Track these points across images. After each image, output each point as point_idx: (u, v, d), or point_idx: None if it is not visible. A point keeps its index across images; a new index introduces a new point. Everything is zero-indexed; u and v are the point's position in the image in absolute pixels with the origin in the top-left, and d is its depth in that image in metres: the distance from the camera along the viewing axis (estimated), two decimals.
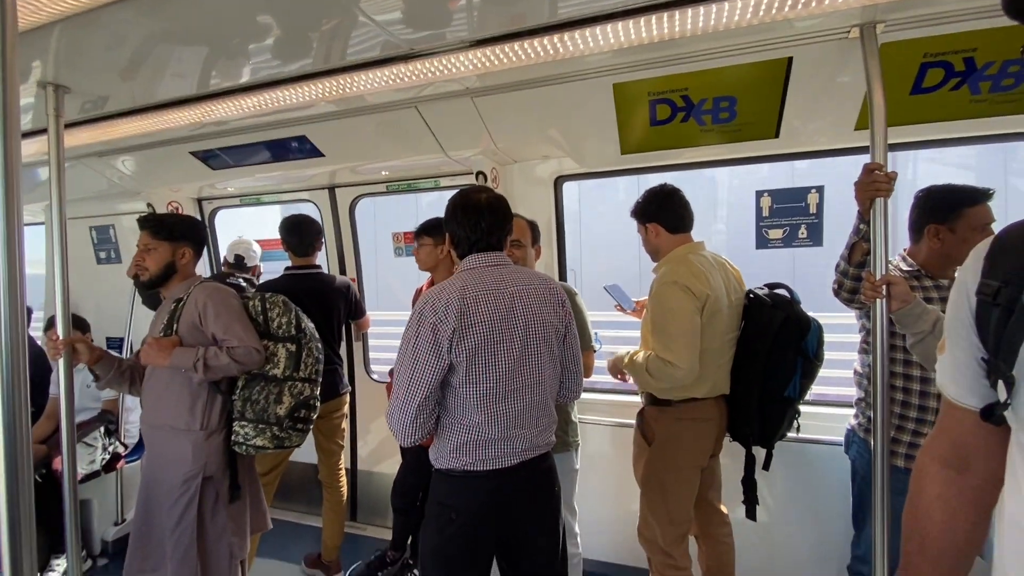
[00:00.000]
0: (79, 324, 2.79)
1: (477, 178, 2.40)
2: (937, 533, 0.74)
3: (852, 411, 1.79)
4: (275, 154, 2.41)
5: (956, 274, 0.70)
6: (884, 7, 1.34)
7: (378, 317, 4.68)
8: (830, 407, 2.16)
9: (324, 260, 3.02)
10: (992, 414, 0.64)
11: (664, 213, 1.78)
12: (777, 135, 1.83)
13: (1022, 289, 0.58)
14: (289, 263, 2.45)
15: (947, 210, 1.57)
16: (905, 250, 1.69)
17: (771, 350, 1.66)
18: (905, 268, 1.64)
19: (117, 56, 1.49)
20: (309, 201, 3.00)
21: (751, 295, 1.78)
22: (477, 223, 1.36)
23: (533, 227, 1.98)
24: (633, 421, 1.94)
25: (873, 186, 1.36)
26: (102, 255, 3.41)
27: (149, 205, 3.02)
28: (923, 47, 1.49)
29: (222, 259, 3.05)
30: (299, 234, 2.39)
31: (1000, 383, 0.60)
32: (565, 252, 2.47)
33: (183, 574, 1.67)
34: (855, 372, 1.76)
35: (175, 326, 1.73)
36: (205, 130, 2.26)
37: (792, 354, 1.65)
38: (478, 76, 1.72)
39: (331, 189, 2.89)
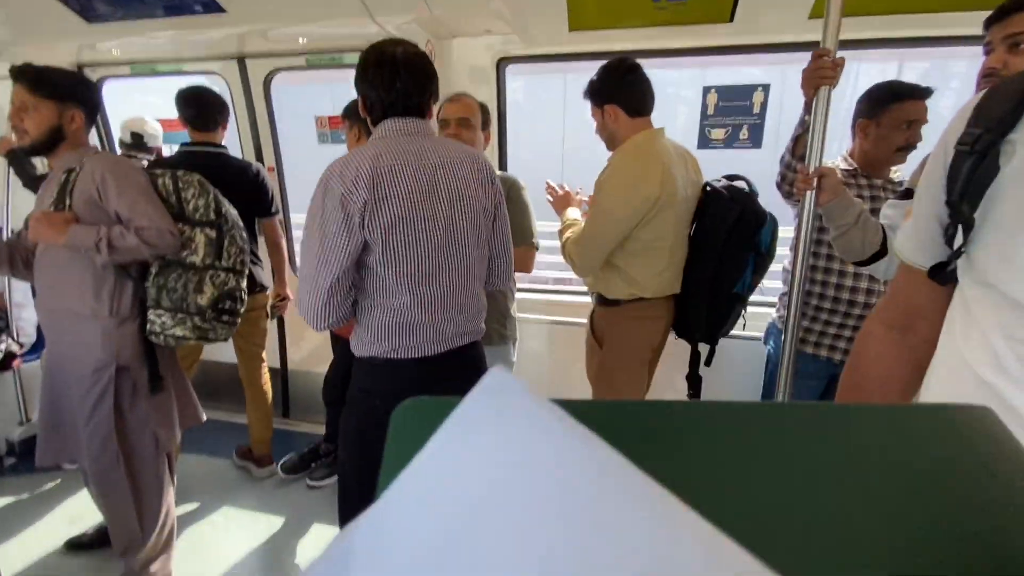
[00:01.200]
0: None
1: None
2: (873, 388, 0.78)
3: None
4: (167, 6, 2.02)
5: (940, 136, 0.68)
6: None
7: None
8: (756, 306, 2.28)
9: (239, 150, 2.71)
10: (942, 270, 0.66)
11: (624, 93, 1.60)
12: (732, 19, 1.72)
13: (1001, 135, 0.57)
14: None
15: (875, 105, 1.57)
16: (847, 150, 1.71)
17: (725, 245, 1.62)
18: (844, 167, 1.66)
19: None
20: (216, 74, 2.61)
21: (708, 188, 1.69)
22: (392, 82, 1.17)
23: (484, 109, 1.81)
24: (572, 320, 1.95)
25: (819, 73, 1.31)
26: None
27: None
28: None
29: (116, 140, 2.66)
30: (196, 105, 2.06)
31: (958, 233, 0.61)
32: (507, 142, 2.33)
33: (103, 463, 1.59)
34: (783, 268, 1.82)
35: (68, 200, 1.49)
36: None
37: (746, 249, 1.63)
38: None
39: (240, 60, 2.51)
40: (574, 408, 0.21)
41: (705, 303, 1.68)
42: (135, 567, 1.71)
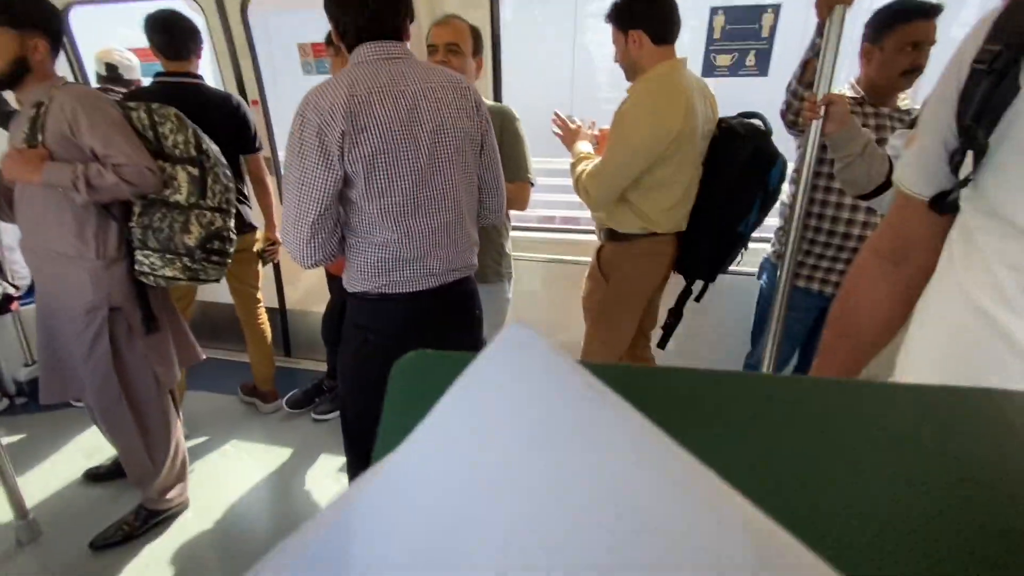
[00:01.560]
0: None
1: None
2: (861, 318, 0.79)
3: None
4: None
5: (953, 53, 0.64)
6: None
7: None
8: (754, 242, 2.26)
9: (220, 84, 2.57)
10: (944, 199, 0.64)
11: (651, 16, 1.51)
12: None
13: (1022, 52, 0.53)
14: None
15: (880, 27, 1.48)
16: (855, 77, 1.63)
17: (735, 183, 1.59)
18: (851, 95, 1.59)
19: None
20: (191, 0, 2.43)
21: (723, 124, 1.64)
22: (363, 3, 1.10)
23: (475, 33, 1.69)
24: (567, 257, 1.94)
25: None
26: None
27: None
28: None
29: (93, 75, 2.51)
30: (166, 30, 1.92)
31: (966, 160, 0.59)
32: (501, 70, 2.21)
33: (106, 401, 1.64)
34: (781, 203, 1.79)
35: (40, 136, 1.43)
36: None
37: (755, 188, 1.60)
38: None
39: None
40: (597, 371, 0.20)
41: (710, 241, 1.68)
42: (152, 495, 1.80)
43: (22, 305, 2.54)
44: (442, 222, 1.23)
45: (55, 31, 1.48)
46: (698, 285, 1.81)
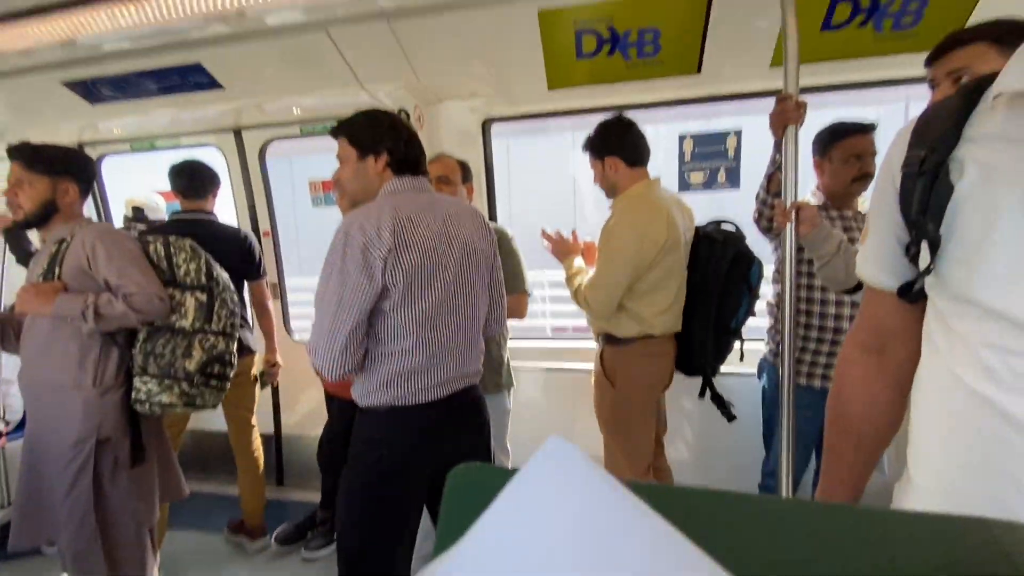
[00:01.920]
0: None
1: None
2: (858, 413, 0.77)
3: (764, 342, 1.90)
4: (166, 86, 2.14)
5: (883, 160, 0.71)
6: None
7: (298, 283, 4.40)
8: (752, 341, 2.28)
9: (235, 218, 2.78)
10: (910, 289, 0.66)
11: (623, 145, 1.72)
12: (699, 70, 1.85)
13: (947, 153, 0.59)
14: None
15: (824, 144, 1.68)
16: (814, 186, 1.79)
17: (724, 284, 1.71)
18: (815, 202, 1.73)
19: None
20: (212, 146, 2.72)
21: (699, 232, 1.79)
22: (410, 141, 1.29)
23: (463, 165, 1.91)
24: (567, 366, 1.95)
25: (784, 115, 1.40)
26: None
27: None
28: None
29: (122, 218, 2.72)
30: (187, 175, 2.13)
31: (923, 249, 0.62)
32: (495, 198, 2.41)
33: (80, 542, 1.51)
34: (767, 304, 1.85)
35: (57, 270, 1.50)
36: (79, 53, 1.95)
37: (740, 286, 1.72)
38: None
39: (237, 132, 2.62)
40: (634, 488, 0.21)
41: (706, 337, 1.75)
42: None
43: (10, 440, 2.46)
44: (457, 332, 1.30)
45: (86, 177, 1.63)
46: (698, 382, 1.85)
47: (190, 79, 2.08)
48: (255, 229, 2.73)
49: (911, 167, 0.63)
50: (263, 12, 1.65)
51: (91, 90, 2.18)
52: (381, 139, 1.27)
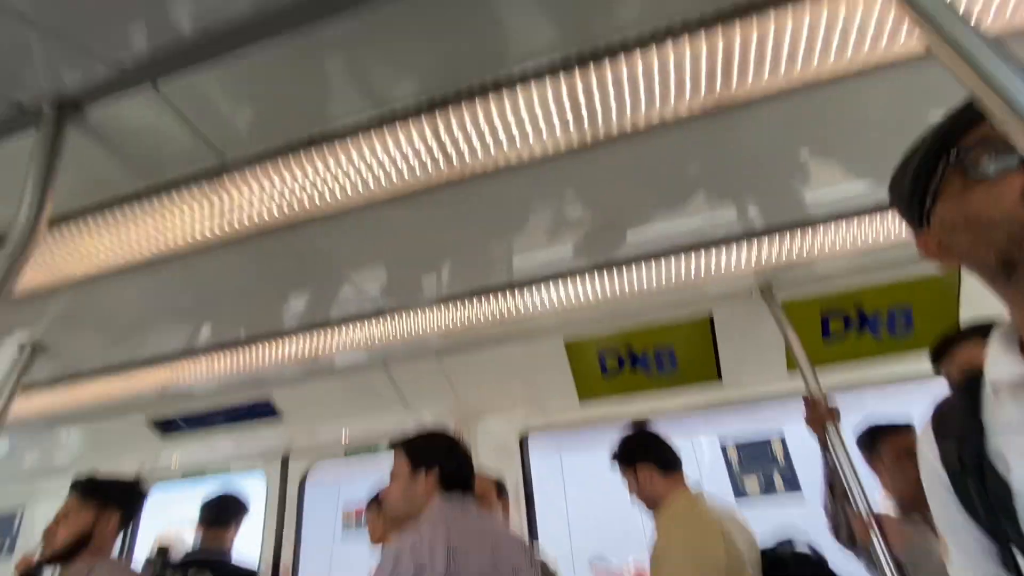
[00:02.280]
0: None
1: None
2: None
3: None
4: (233, 418, 2.36)
5: (920, 462, 0.68)
6: (773, 271, 1.63)
7: None
8: None
9: (260, 544, 2.61)
10: None
11: (653, 450, 1.60)
12: (719, 377, 1.97)
13: (980, 447, 0.58)
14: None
15: (869, 445, 1.56)
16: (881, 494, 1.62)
17: None
18: (894, 513, 1.53)
19: (104, 316, 1.59)
20: (260, 471, 2.77)
21: (769, 556, 1.50)
22: (464, 460, 1.34)
23: (498, 484, 1.89)
24: None
25: (819, 418, 1.41)
26: None
27: None
28: (819, 303, 1.77)
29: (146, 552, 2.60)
30: (216, 508, 2.14)
31: (1018, 553, 0.54)
32: (535, 512, 2.25)
33: None
34: None
35: None
36: (168, 395, 2.25)
37: None
38: (443, 336, 1.89)
39: (284, 460, 2.71)
40: None
41: None
42: None
43: None
44: None
45: (131, 507, 1.62)
46: None
47: (256, 410, 2.31)
48: (275, 565, 2.51)
49: (952, 465, 0.61)
50: (333, 354, 1.95)
51: (167, 425, 2.42)
52: (436, 455, 1.33)
